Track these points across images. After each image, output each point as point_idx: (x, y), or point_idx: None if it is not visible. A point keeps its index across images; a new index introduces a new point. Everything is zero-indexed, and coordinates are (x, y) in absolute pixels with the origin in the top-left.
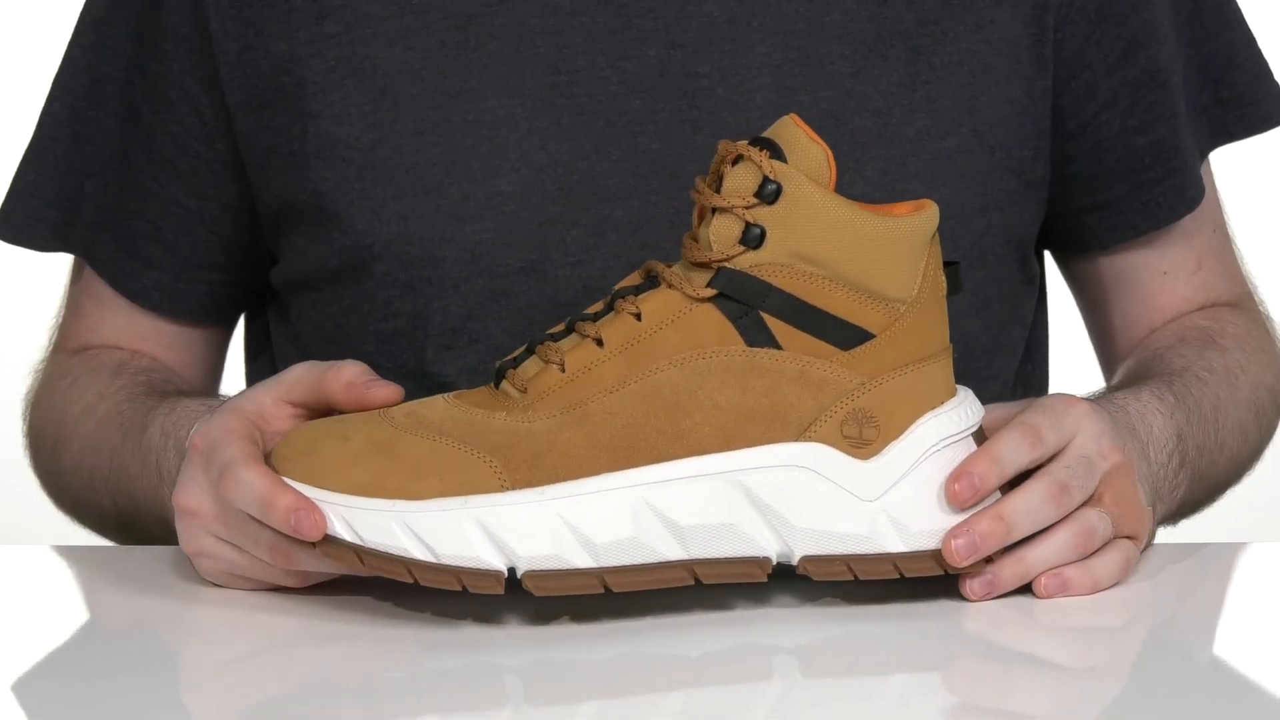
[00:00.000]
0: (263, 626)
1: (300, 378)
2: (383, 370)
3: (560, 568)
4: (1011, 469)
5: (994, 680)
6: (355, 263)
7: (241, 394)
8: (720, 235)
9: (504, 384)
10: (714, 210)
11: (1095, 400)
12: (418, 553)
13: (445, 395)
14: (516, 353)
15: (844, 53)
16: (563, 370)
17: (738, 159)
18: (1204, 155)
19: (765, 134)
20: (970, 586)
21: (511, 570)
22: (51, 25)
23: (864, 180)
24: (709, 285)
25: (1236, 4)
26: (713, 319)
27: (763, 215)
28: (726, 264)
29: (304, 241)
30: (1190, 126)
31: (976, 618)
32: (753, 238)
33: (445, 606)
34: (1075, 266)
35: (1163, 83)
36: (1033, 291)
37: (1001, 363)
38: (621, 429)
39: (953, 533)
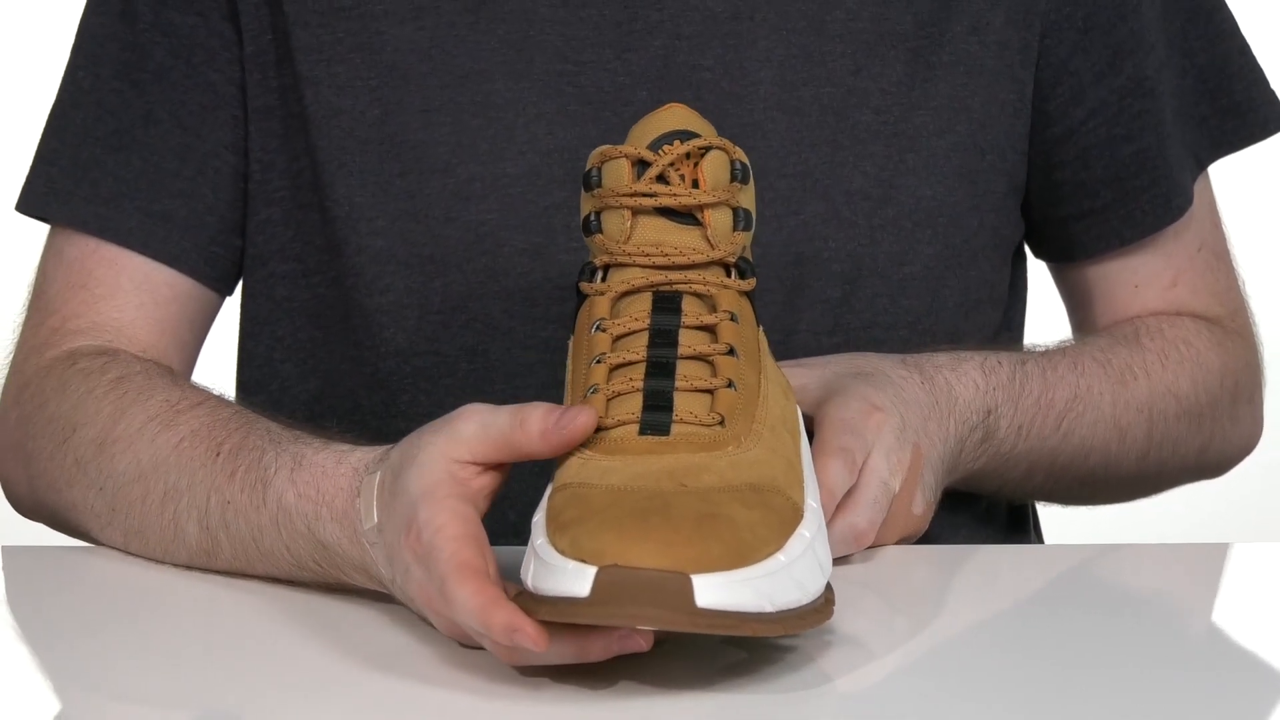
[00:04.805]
0: (226, 643)
1: (484, 436)
2: (364, 348)
3: (829, 581)
4: (840, 496)
5: (968, 677)
6: (347, 236)
7: (415, 464)
8: (721, 229)
9: (678, 428)
10: (671, 211)
11: (907, 366)
12: (805, 599)
13: (626, 459)
14: (601, 405)
15: (845, 50)
16: (734, 388)
17: (705, 151)
18: (1204, 166)
19: (672, 127)
20: None
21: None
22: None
23: (863, 175)
24: (743, 277)
25: (1230, 12)
26: (747, 305)
27: (742, 198)
28: (742, 255)
29: (285, 210)
30: (1189, 137)
31: (944, 611)
32: (745, 223)
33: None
34: (1062, 274)
35: (1149, 91)
36: (1019, 298)
37: None
38: (784, 427)
39: None
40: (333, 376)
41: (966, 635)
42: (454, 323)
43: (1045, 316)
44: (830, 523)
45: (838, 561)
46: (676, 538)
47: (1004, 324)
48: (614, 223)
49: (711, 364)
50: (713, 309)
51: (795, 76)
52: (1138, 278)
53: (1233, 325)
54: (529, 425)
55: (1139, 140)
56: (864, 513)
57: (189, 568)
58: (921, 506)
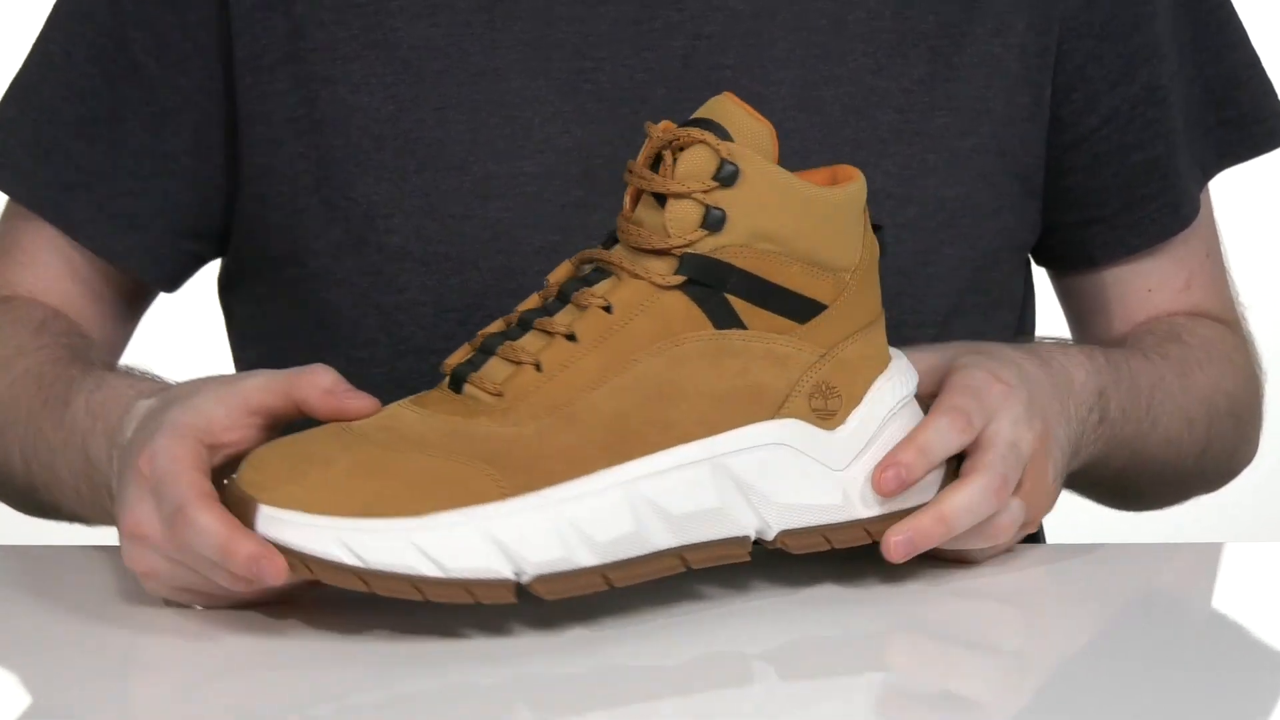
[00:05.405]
0: (223, 645)
1: (266, 384)
2: (379, 346)
3: (567, 570)
4: (939, 457)
5: (970, 677)
6: (364, 234)
7: (185, 401)
8: (679, 220)
9: (468, 389)
10: (658, 195)
11: (1023, 351)
12: (427, 569)
13: (403, 404)
14: (463, 354)
15: (866, 50)
16: (539, 369)
17: (687, 143)
18: (1209, 176)
19: (700, 115)
20: (893, 549)
21: (517, 577)
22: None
23: (884, 174)
24: (676, 272)
25: (1240, 23)
26: (680, 304)
27: (722, 198)
28: (689, 249)
29: (287, 213)
30: (1195, 147)
31: (947, 611)
32: (713, 221)
33: (403, 622)
34: (1064, 281)
35: (1161, 100)
36: (1029, 303)
37: None
38: (611, 424)
39: (893, 530)
40: None
41: (966, 634)
42: (471, 320)
43: (1046, 322)
44: (956, 488)
45: (886, 568)
46: (288, 472)
47: (1019, 327)
48: (626, 200)
49: (551, 340)
50: (609, 293)
51: (815, 76)
52: (1150, 281)
53: (1235, 327)
54: (318, 379)
55: (1150, 148)
56: (994, 468)
57: (40, 514)
58: (1053, 486)
